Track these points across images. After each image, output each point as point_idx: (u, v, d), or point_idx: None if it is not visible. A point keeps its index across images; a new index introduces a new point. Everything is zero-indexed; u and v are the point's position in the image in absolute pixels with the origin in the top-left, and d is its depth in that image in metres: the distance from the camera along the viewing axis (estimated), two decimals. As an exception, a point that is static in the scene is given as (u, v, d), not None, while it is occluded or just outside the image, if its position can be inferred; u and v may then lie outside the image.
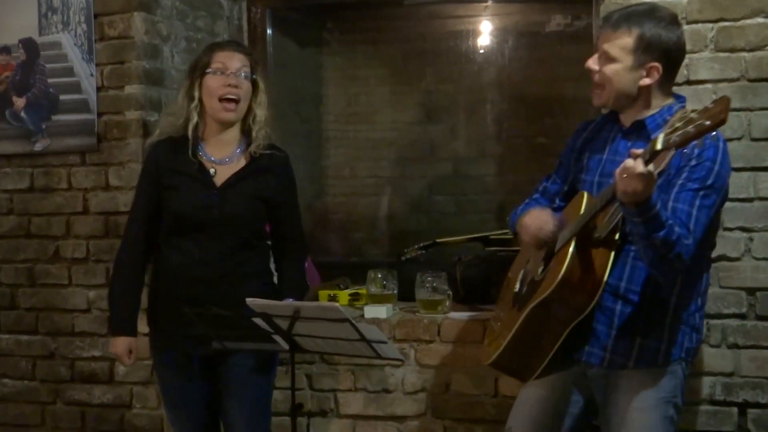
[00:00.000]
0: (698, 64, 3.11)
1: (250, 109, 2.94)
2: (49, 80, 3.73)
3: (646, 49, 2.46)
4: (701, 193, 2.37)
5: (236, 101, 2.87)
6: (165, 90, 3.70)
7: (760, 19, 3.06)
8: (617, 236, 2.41)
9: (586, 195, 2.55)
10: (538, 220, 2.60)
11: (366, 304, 3.60)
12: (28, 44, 3.75)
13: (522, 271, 2.74)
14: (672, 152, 2.19)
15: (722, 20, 3.10)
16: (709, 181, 2.38)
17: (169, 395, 3.02)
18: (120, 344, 2.96)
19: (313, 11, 4.58)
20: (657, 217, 2.24)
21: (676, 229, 2.29)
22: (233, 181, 2.90)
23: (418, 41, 4.64)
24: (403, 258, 3.72)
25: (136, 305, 2.99)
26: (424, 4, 4.30)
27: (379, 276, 3.62)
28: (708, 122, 2.03)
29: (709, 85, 3.10)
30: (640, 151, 2.16)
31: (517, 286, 2.71)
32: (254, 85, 2.94)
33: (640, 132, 2.52)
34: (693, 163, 2.38)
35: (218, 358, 2.89)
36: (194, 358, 2.92)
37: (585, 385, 2.63)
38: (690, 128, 2.05)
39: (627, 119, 2.58)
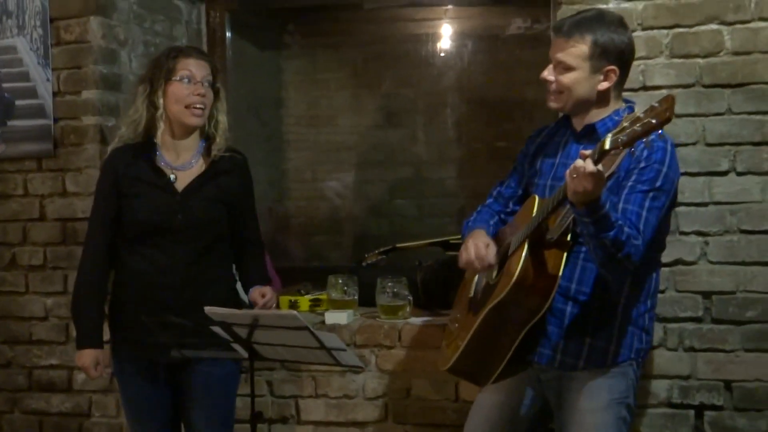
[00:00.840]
0: (653, 70, 3.14)
1: (211, 115, 2.95)
2: (4, 85, 3.69)
3: (601, 55, 2.50)
4: (650, 194, 2.41)
5: (203, 108, 2.89)
6: (122, 95, 3.67)
7: (714, 26, 3.10)
8: (569, 237, 2.44)
9: (537, 198, 2.57)
10: (477, 250, 2.58)
11: (327, 309, 3.59)
12: (-18, 49, 3.70)
13: (476, 276, 2.76)
14: (622, 154, 2.22)
15: (677, 26, 3.13)
16: (658, 183, 2.43)
17: (131, 403, 3.01)
18: (87, 357, 2.93)
19: (273, 15, 4.56)
20: (606, 217, 2.27)
21: (626, 229, 2.32)
22: (195, 186, 2.90)
23: (378, 45, 4.63)
24: (363, 263, 3.72)
25: (100, 316, 2.96)
26: (384, 7, 4.31)
27: (340, 281, 3.61)
28: (654, 120, 2.07)
29: (664, 91, 3.11)
30: (589, 151, 2.20)
31: (472, 290, 2.73)
32: (216, 92, 2.95)
33: (591, 136, 2.55)
34: (642, 165, 2.42)
35: (181, 364, 2.88)
36: (157, 365, 2.92)
37: (540, 389, 2.66)
38: (636, 127, 2.09)
39: (579, 123, 2.62)
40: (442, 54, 4.47)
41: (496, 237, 2.69)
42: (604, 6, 3.11)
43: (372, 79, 4.67)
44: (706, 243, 3.13)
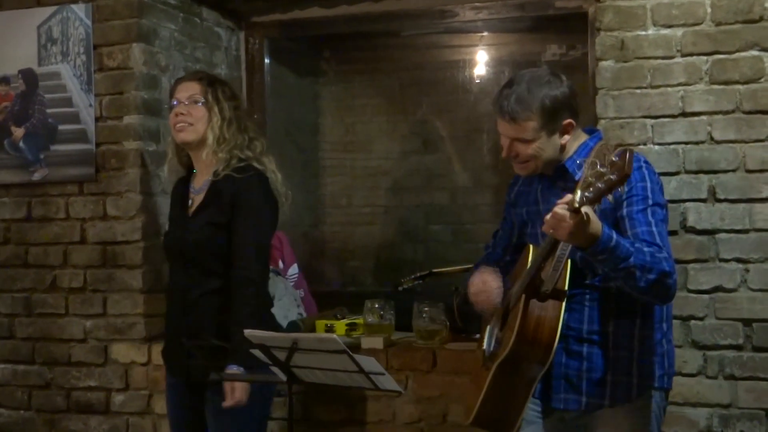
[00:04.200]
0: (693, 96, 3.12)
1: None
2: (48, 110, 3.74)
3: (552, 117, 2.47)
4: (649, 210, 2.41)
5: (190, 124, 2.94)
6: (163, 120, 3.70)
7: (755, 52, 3.07)
8: (566, 286, 2.41)
9: (531, 248, 2.54)
10: (484, 293, 2.61)
11: (363, 334, 3.59)
12: (28, 74, 3.77)
13: (488, 327, 2.74)
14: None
15: (717, 53, 3.11)
16: (650, 200, 2.42)
17: (171, 421, 3.09)
18: None
19: (311, 41, 4.60)
20: (618, 246, 2.26)
21: (646, 249, 2.31)
22: (197, 209, 2.97)
23: (414, 71, 4.66)
24: (399, 288, 3.72)
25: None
26: (420, 34, 4.33)
27: (376, 306, 3.61)
28: (614, 177, 2.08)
29: (704, 117, 3.11)
30: (567, 198, 2.19)
31: (485, 343, 2.71)
32: (209, 108, 2.96)
33: (565, 176, 2.54)
34: (626, 190, 2.40)
35: (210, 386, 2.88)
36: (190, 385, 2.96)
37: (563, 429, 2.63)
38: (600, 184, 2.10)
39: (549, 167, 2.58)
40: (478, 80, 4.48)
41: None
42: (629, 33, 3.14)
43: (408, 105, 4.68)
44: (747, 270, 3.09)
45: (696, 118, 3.12)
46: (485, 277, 2.63)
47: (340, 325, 3.66)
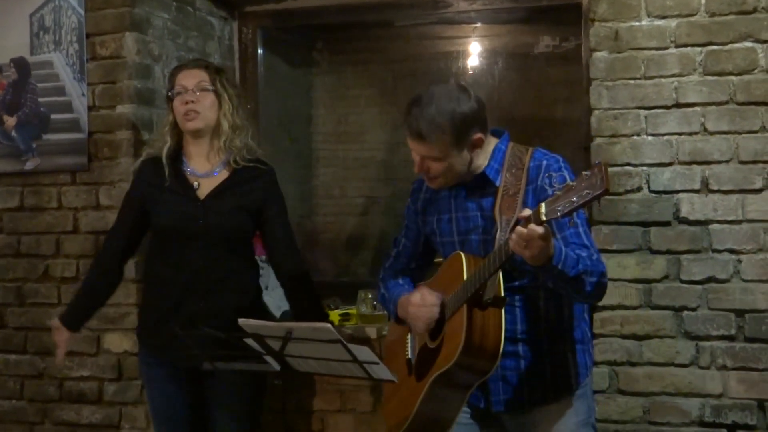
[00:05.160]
0: (687, 87, 3.13)
1: (218, 122, 3.00)
2: (41, 99, 3.73)
3: (462, 134, 2.43)
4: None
5: (197, 112, 2.94)
6: (156, 110, 3.69)
7: (748, 43, 3.08)
8: (502, 292, 2.38)
9: (464, 256, 2.48)
10: (424, 311, 2.54)
11: (356, 324, 3.59)
12: (20, 63, 3.75)
13: (409, 335, 2.72)
14: (522, 190, 2.33)
15: (711, 44, 3.11)
16: None
17: (158, 410, 3.06)
18: (65, 334, 3.05)
19: (304, 31, 4.58)
20: (568, 257, 2.26)
21: (583, 253, 2.32)
22: (216, 193, 2.97)
23: (408, 62, 4.63)
24: (393, 278, 3.69)
25: (89, 309, 3.16)
26: (414, 25, 4.31)
27: (370, 296, 3.61)
28: (589, 192, 2.00)
29: (697, 108, 3.12)
30: (526, 213, 2.15)
31: (408, 351, 2.68)
32: (218, 95, 2.98)
33: (484, 184, 2.51)
34: (549, 192, 2.30)
35: (206, 371, 2.87)
36: (182, 371, 2.96)
37: (500, 429, 2.63)
38: (574, 198, 2.03)
39: (459, 179, 2.53)
40: (472, 71, 4.47)
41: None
42: (623, 23, 3.14)
43: (401, 96, 4.63)
44: (739, 261, 3.10)
45: (690, 109, 3.13)
46: (424, 291, 2.57)
47: (334, 315, 3.65)
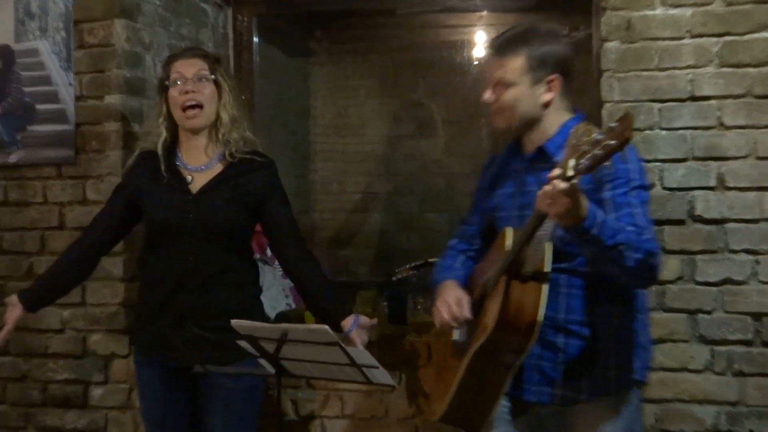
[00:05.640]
0: (702, 79, 3.07)
1: (218, 114, 2.94)
2: (25, 89, 3.65)
3: (539, 65, 2.45)
4: (631, 194, 2.37)
5: (199, 106, 2.88)
6: (146, 100, 3.61)
7: (767, 34, 3.02)
8: (548, 267, 2.33)
9: (509, 231, 2.46)
10: (450, 310, 2.53)
11: (354, 325, 3.49)
12: (4, 51, 3.67)
13: None
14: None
15: (727, 34, 3.06)
16: (633, 182, 2.38)
17: (148, 414, 3.00)
18: (18, 311, 2.96)
19: (302, 19, 4.56)
20: (605, 223, 2.20)
21: (629, 228, 2.27)
22: (210, 187, 2.90)
23: (410, 51, 4.63)
24: (393, 278, 3.64)
25: (52, 292, 3.04)
26: (416, 13, 4.27)
27: (369, 297, 3.56)
28: (614, 142, 1.99)
29: (713, 101, 3.07)
30: (555, 172, 2.11)
31: (455, 332, 2.63)
32: (219, 86, 2.92)
33: (544, 158, 2.48)
34: (608, 172, 2.35)
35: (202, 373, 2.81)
36: (177, 371, 2.87)
37: (538, 424, 2.57)
38: (597, 151, 2.02)
39: (529, 145, 2.54)
40: (477, 62, 4.46)
41: (472, 277, 2.62)
42: (636, 12, 3.09)
43: (403, 87, 4.70)
44: (757, 262, 3.04)
45: (705, 103, 3.08)
46: (448, 299, 2.55)
47: (332, 316, 3.57)
